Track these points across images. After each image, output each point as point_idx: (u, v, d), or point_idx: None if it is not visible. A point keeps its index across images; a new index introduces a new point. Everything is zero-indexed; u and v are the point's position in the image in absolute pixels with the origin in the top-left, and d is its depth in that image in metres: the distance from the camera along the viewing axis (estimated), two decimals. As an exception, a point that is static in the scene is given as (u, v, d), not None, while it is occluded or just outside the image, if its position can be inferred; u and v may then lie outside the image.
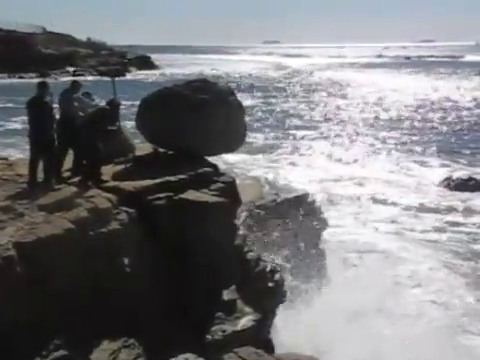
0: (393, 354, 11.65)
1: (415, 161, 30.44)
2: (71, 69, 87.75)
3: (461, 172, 27.45)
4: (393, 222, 20.66)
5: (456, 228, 20.27)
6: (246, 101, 41.40)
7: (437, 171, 28.00)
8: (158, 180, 10.87)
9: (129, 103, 22.35)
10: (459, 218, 21.31)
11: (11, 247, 8.09)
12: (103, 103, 12.12)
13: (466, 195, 23.75)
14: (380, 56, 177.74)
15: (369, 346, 11.75)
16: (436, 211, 22.03)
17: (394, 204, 22.87)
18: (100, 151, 10.82)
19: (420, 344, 12.00)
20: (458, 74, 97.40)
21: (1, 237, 8.27)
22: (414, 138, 37.35)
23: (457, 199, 23.38)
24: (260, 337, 10.29)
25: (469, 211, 22.07)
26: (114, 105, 11.45)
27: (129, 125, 15.62)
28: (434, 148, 33.75)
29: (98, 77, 74.98)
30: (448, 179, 25.51)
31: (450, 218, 21.27)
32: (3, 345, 7.63)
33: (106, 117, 11.16)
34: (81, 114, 11.31)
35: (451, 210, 22.14)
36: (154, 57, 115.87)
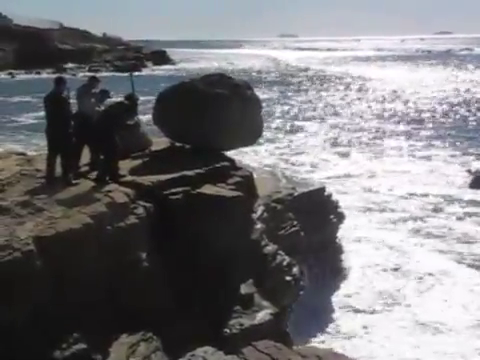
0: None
1: (433, 154, 30.14)
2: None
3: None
4: (412, 216, 20.48)
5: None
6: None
7: (456, 164, 27.69)
8: (175, 174, 10.89)
9: (146, 98, 22.39)
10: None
11: (31, 242, 8.16)
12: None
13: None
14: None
15: None
16: (456, 203, 21.83)
17: (413, 197, 22.68)
18: (118, 146, 10.85)
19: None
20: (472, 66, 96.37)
21: (21, 232, 8.34)
22: (431, 132, 36.98)
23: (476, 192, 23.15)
24: (278, 330, 10.29)
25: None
26: (132, 100, 11.45)
27: (146, 120, 15.65)
28: (452, 141, 33.38)
29: (114, 73, 75.10)
30: (468, 172, 25.30)
31: (470, 210, 21.09)
32: (23, 338, 7.70)
33: (124, 111, 11.16)
34: (98, 109, 11.34)
35: (472, 202, 21.93)
36: (169, 52, 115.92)
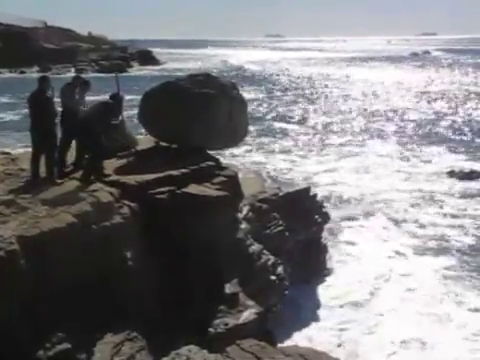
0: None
1: (416, 154, 30.45)
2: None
3: (463, 164, 27.71)
4: (396, 214, 20.65)
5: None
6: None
7: (439, 164, 27.97)
8: (160, 174, 10.89)
9: (132, 97, 22.38)
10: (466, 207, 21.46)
11: (14, 241, 8.12)
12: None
13: (469, 186, 23.82)
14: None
15: None
16: (442, 199, 22.14)
17: (397, 195, 22.89)
18: (103, 145, 10.83)
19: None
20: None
21: (4, 231, 8.30)
22: (413, 131, 37.35)
23: (462, 190, 23.45)
24: (262, 330, 10.34)
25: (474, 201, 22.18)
26: (117, 99, 11.44)
27: (132, 119, 15.63)
28: (435, 141, 33.77)
29: (100, 74, 74.51)
30: (451, 172, 25.59)
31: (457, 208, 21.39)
32: (6, 338, 7.66)
33: (110, 111, 11.14)
34: (83, 108, 11.33)
35: (457, 200, 22.23)
36: (155, 51, 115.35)
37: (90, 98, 11.98)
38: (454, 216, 20.56)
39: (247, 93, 54.36)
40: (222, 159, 13.04)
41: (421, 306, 13.70)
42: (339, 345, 11.94)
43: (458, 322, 12.93)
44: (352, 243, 17.70)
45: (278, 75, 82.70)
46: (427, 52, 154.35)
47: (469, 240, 18.13)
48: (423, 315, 13.28)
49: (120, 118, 12.30)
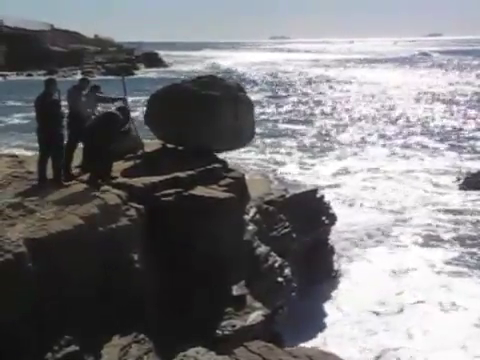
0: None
1: (421, 154, 30.41)
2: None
3: (468, 164, 27.77)
4: (402, 216, 20.59)
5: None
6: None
7: (445, 165, 27.91)
8: (167, 176, 10.90)
9: (139, 98, 22.40)
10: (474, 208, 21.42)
11: (22, 243, 8.13)
12: (112, 95, 12.20)
13: (477, 186, 23.71)
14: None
15: None
16: (450, 201, 22.09)
17: (404, 197, 22.82)
18: (110, 150, 10.79)
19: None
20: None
21: (12, 233, 8.31)
22: (419, 132, 37.28)
23: (469, 190, 23.39)
24: (270, 331, 10.32)
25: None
26: (125, 112, 11.23)
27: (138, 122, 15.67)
28: (442, 142, 33.74)
29: (106, 76, 74.61)
30: (458, 172, 25.53)
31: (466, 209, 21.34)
32: (13, 341, 7.67)
33: (115, 122, 10.95)
34: (89, 111, 11.32)
35: (464, 201, 22.16)
36: (160, 54, 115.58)
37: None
38: (460, 212, 20.66)
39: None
40: (229, 161, 13.04)
41: (428, 304, 13.67)
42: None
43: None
44: (360, 244, 17.68)
45: (273, 77, 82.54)
46: (427, 54, 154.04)
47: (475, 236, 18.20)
48: (433, 314, 13.29)
49: (127, 126, 12.27)
